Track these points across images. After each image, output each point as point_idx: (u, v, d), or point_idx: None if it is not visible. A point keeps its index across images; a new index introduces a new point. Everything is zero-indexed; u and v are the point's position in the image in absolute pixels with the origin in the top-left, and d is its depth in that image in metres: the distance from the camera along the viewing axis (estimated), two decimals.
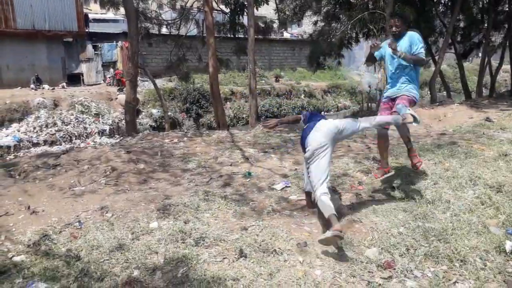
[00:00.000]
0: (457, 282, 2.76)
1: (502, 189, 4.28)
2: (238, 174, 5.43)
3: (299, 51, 28.94)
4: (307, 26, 22.60)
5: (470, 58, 24.84)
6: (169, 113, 18.22)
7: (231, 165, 5.90)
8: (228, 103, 21.88)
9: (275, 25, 18.42)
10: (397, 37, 4.36)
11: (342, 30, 16.02)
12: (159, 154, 6.35)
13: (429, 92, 17.69)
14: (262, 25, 17.04)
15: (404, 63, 4.28)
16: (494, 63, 19.65)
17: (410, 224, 3.62)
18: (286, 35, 33.28)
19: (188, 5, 16.41)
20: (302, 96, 25.71)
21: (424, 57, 4.35)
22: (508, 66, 19.49)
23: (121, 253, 3.28)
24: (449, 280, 2.78)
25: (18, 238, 3.63)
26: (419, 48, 4.22)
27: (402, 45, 4.27)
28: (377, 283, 2.77)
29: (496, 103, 12.31)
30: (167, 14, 19.23)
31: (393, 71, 4.44)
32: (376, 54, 4.54)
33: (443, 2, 16.55)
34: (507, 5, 17.57)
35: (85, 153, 6.35)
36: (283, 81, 27.32)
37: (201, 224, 3.77)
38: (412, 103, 4.36)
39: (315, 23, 17.81)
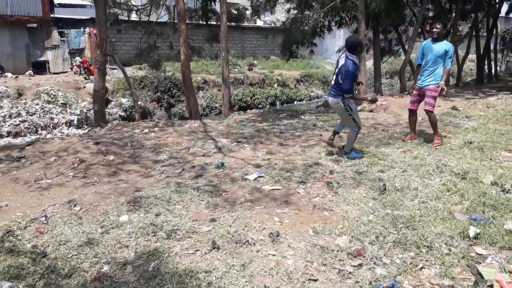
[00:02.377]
0: (424, 268, 2.83)
1: (467, 176, 4.44)
2: (211, 164, 5.39)
3: (272, 39, 28.77)
4: (280, 13, 22.53)
5: None
6: (140, 103, 17.84)
7: (203, 155, 5.85)
8: (200, 92, 21.62)
9: (248, 12, 18.22)
10: (435, 39, 5.56)
11: (315, 18, 16.04)
12: (129, 145, 6.22)
13: (398, 81, 18.04)
14: (234, 12, 16.82)
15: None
16: (461, 52, 20.23)
17: (380, 212, 3.69)
18: (259, 22, 33.07)
19: None
20: (276, 85, 25.69)
21: (449, 67, 5.66)
22: (474, 56, 20.11)
23: (90, 247, 3.20)
24: (416, 266, 2.86)
25: None
26: (449, 60, 5.57)
27: (438, 48, 5.51)
28: (347, 271, 2.81)
29: (462, 91, 12.72)
30: (137, 0, 18.72)
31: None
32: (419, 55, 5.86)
33: None
34: None
35: (52, 144, 6.13)
36: (256, 70, 27.20)
37: (172, 216, 3.73)
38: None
39: (288, 10, 17.75)
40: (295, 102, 25.49)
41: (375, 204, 3.89)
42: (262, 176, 4.81)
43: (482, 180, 4.32)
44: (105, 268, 2.91)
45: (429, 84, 5.73)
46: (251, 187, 4.49)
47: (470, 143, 5.76)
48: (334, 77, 5.09)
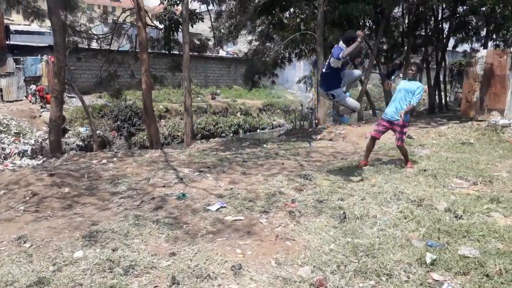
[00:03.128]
0: None
1: (422, 203, 4.60)
2: (171, 195, 5.27)
3: (235, 69, 29.27)
4: (243, 44, 23.04)
5: (393, 78, 26.73)
6: (99, 132, 17.41)
7: (164, 186, 5.72)
8: (162, 120, 21.46)
9: (211, 43, 18.51)
10: (410, 79, 6.20)
11: (276, 50, 16.52)
12: (86, 177, 5.99)
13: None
14: (197, 42, 17.03)
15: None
16: None
17: (341, 241, 3.72)
18: (222, 53, 33.58)
19: (121, 19, 15.94)
20: (238, 114, 25.95)
21: (414, 104, 6.18)
22: (426, 86, 21.27)
23: (40, 287, 3.00)
24: None
25: None
26: (415, 98, 6.10)
27: (409, 85, 6.15)
28: None
29: (416, 121, 13.32)
30: (99, 28, 18.55)
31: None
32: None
33: (368, 25, 17.73)
34: (423, 30, 19.30)
35: (2, 177, 5.81)
36: (219, 99, 27.42)
37: (130, 251, 3.59)
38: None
39: (250, 42, 18.22)
40: (258, 130, 25.78)
41: (336, 232, 3.92)
42: (224, 207, 4.76)
43: (436, 206, 4.49)
44: None
45: (398, 120, 6.17)
46: (213, 218, 4.42)
47: (425, 170, 6.01)
48: (325, 64, 5.48)
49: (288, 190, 5.36)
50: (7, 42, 21.63)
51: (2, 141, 16.00)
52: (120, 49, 16.71)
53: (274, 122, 27.48)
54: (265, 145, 10.03)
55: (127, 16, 15.85)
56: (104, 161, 7.16)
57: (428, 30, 19.23)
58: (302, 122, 21.02)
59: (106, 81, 16.14)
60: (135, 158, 7.47)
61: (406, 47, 18.34)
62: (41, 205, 4.83)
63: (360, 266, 3.23)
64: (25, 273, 3.21)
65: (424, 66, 20.03)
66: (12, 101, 21.12)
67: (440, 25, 18.93)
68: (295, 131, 16.35)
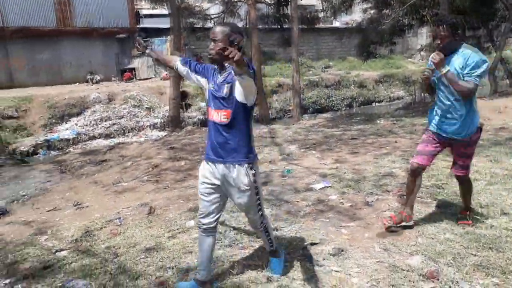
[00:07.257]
0: None
1: None
2: (276, 171, 5.32)
3: (348, 40, 28.01)
4: (357, 14, 21.85)
5: None
6: None
7: (270, 162, 5.80)
8: (274, 95, 21.74)
9: (321, 15, 17.92)
10: (443, 51, 3.12)
11: (393, 17, 15.27)
12: (200, 150, 6.39)
13: (488, 82, 16.39)
14: (308, 15, 16.64)
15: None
16: None
17: (459, 230, 3.34)
18: (336, 23, 32.39)
19: None
20: (352, 87, 24.92)
21: (472, 86, 3.05)
22: None
23: (157, 252, 3.31)
24: None
25: (63, 234, 3.79)
26: (473, 73, 3.04)
27: (451, 64, 3.13)
28: None
29: None
30: (213, 8, 19.33)
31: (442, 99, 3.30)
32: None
33: None
34: None
35: (129, 149, 6.53)
36: (332, 71, 26.67)
37: (236, 224, 3.73)
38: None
39: (365, 10, 17.15)
40: (374, 104, 24.51)
41: (454, 220, 3.53)
42: (329, 186, 4.64)
43: None
44: (169, 273, 2.98)
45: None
46: (317, 197, 4.34)
47: None
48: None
49: (400, 171, 4.98)
50: (138, 26, 23.96)
51: (136, 115, 18.05)
52: None
53: (392, 95, 25.68)
54: (377, 121, 9.47)
55: None
56: None
57: None
58: (423, 94, 19.29)
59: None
60: None
61: None
62: (160, 176, 5.32)
63: (481, 260, 2.86)
64: (145, 237, 3.58)
65: None
66: (144, 79, 23.54)
67: None
68: (414, 105, 15.11)
